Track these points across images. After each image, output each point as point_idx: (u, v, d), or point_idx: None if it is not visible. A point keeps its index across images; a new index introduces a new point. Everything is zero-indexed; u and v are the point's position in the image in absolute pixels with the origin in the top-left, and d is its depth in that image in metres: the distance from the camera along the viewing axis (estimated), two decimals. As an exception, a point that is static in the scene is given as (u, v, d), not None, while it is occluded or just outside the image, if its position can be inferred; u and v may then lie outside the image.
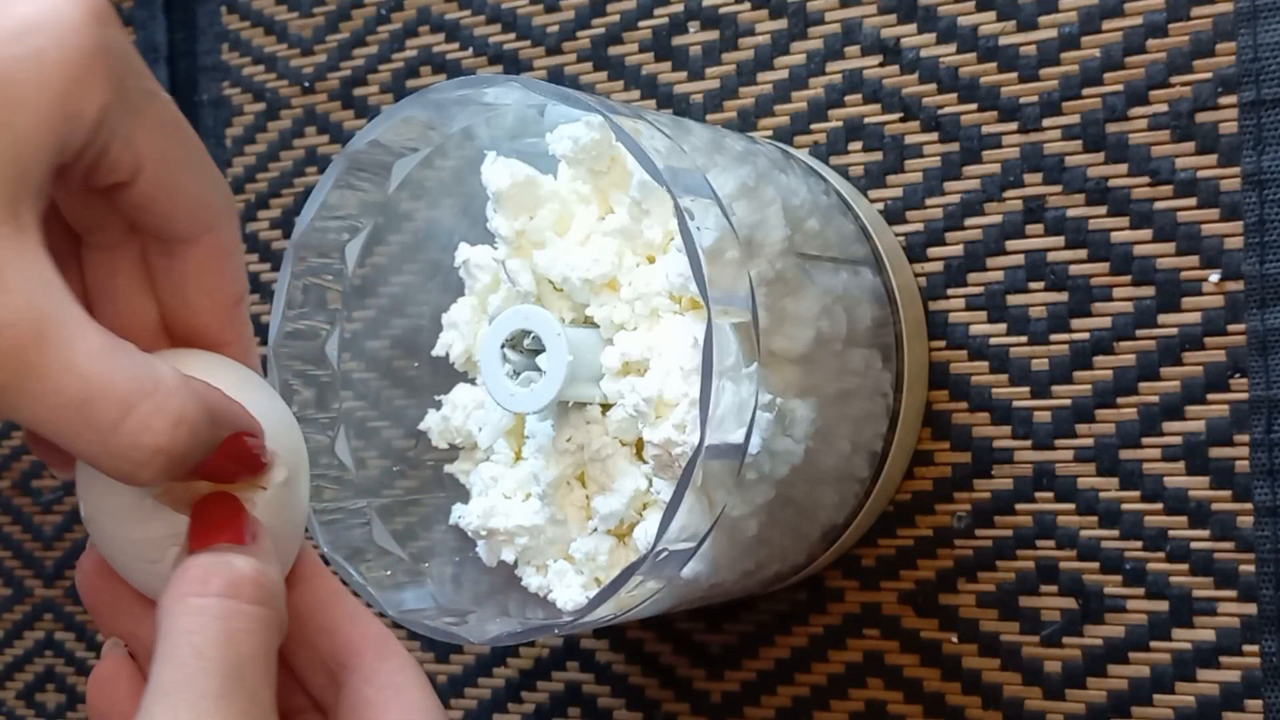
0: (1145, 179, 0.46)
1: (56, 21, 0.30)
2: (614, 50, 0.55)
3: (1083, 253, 0.47)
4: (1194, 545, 0.45)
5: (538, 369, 0.44)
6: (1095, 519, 0.47)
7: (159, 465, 0.31)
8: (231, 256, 0.35)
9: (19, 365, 0.29)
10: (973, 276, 0.49)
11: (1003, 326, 0.48)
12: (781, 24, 0.52)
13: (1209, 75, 0.45)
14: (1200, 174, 0.45)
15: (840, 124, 0.51)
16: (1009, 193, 0.48)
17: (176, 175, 0.33)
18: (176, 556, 0.33)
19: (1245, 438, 0.45)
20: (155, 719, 0.31)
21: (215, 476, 0.33)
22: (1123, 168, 0.46)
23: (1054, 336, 0.47)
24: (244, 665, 0.32)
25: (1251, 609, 0.45)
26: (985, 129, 0.48)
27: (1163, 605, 0.46)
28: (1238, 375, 0.45)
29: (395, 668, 0.37)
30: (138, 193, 0.33)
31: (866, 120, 0.50)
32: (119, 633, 0.36)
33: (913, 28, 0.49)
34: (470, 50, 0.58)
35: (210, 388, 0.33)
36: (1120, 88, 0.46)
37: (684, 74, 0.53)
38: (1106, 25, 0.47)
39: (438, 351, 0.49)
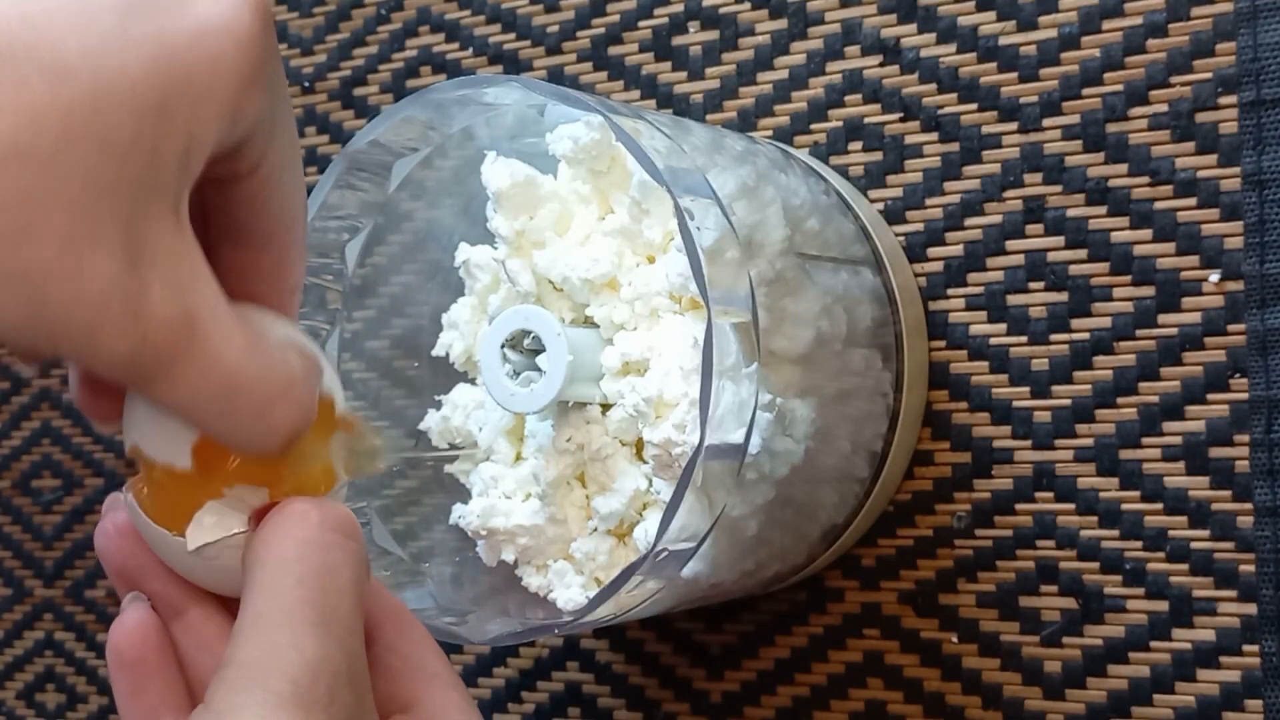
0: (1145, 179, 0.46)
1: (237, 26, 0.31)
2: (614, 50, 0.55)
3: (1083, 253, 0.47)
4: (1194, 545, 0.45)
5: (538, 369, 0.44)
6: (1095, 519, 0.47)
7: (287, 444, 0.33)
8: (299, 254, 0.36)
9: (169, 355, 0.30)
10: (973, 276, 0.49)
11: (1003, 326, 0.48)
12: (781, 24, 0.52)
13: (1209, 75, 0.45)
14: (1200, 174, 0.45)
15: (840, 124, 0.51)
16: (1009, 193, 0.48)
17: (281, 176, 0.34)
18: (254, 514, 0.34)
19: (1245, 438, 0.45)
20: (252, 643, 0.32)
21: None
22: (1123, 168, 0.46)
23: (1054, 336, 0.47)
24: (342, 595, 0.33)
25: (1251, 609, 0.45)
26: (985, 129, 0.48)
27: (1163, 605, 0.46)
28: (1238, 375, 0.45)
29: (416, 639, 0.37)
30: (242, 188, 0.33)
31: (866, 120, 0.50)
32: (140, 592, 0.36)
33: (913, 28, 0.49)
34: (470, 50, 0.58)
35: (313, 362, 0.34)
36: (1120, 88, 0.46)
37: (684, 74, 0.53)
38: (1106, 25, 0.47)
39: (438, 351, 0.49)
